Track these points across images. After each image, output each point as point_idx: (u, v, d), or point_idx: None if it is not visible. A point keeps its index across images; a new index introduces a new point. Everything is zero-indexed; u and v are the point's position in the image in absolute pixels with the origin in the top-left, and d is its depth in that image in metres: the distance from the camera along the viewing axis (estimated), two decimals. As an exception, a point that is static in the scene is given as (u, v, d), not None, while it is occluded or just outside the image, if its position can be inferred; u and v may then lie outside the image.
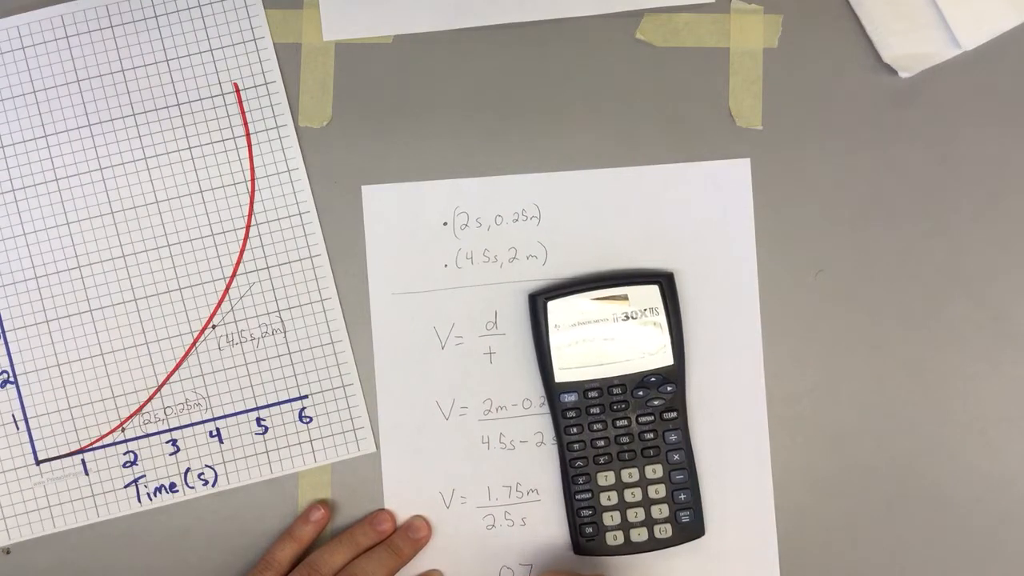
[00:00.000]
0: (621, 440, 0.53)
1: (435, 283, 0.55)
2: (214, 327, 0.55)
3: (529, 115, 0.55)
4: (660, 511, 0.53)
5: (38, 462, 0.55)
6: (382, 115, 0.55)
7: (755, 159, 0.55)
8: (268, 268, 0.55)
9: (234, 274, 0.55)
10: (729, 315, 0.54)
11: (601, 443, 0.53)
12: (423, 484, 0.55)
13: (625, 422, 0.53)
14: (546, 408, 0.54)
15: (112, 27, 0.55)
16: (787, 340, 0.55)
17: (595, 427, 0.53)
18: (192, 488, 0.55)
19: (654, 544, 0.53)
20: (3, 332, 0.55)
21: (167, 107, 0.55)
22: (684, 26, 0.55)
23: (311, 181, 0.55)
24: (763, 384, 0.54)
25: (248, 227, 0.55)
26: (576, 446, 0.53)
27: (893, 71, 0.55)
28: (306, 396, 0.55)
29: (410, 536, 0.53)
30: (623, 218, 0.55)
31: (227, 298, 0.55)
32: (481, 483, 0.55)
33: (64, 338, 0.54)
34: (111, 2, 0.55)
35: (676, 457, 0.53)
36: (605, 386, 0.53)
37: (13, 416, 0.54)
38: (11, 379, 0.55)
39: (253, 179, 0.55)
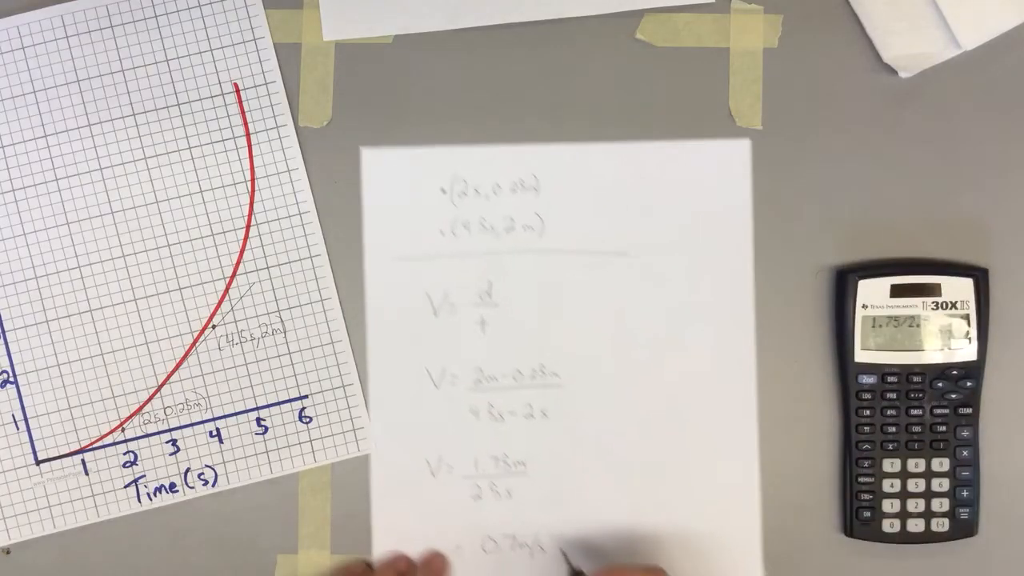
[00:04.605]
0: (912, 429, 0.53)
1: (430, 250, 0.55)
2: (214, 327, 0.55)
3: (529, 110, 0.55)
4: (941, 505, 0.53)
5: (38, 462, 0.55)
6: (382, 115, 0.55)
7: (755, 159, 0.55)
8: (268, 268, 0.55)
9: (234, 274, 0.55)
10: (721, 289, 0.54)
11: (892, 430, 0.53)
12: (410, 451, 0.55)
13: (919, 412, 0.53)
14: (536, 381, 0.54)
15: (112, 27, 0.55)
16: (787, 339, 0.55)
17: (888, 413, 0.53)
18: (192, 488, 0.55)
19: (928, 537, 0.53)
20: (3, 332, 0.55)
21: (167, 107, 0.55)
22: (684, 26, 0.55)
23: (311, 181, 0.55)
24: None
25: (248, 227, 0.55)
26: (866, 429, 0.53)
27: (893, 71, 0.55)
28: (306, 396, 0.55)
29: (431, 569, 0.53)
30: (620, 193, 0.55)
31: (227, 298, 0.55)
32: (468, 453, 0.55)
33: (64, 338, 0.54)
34: (111, 2, 0.55)
35: (964, 453, 0.53)
36: (905, 373, 0.53)
37: (13, 416, 0.54)
38: (11, 379, 0.55)
39: (253, 179, 0.55)
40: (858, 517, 0.53)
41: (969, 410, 0.53)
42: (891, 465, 0.53)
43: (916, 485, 0.53)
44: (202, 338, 0.55)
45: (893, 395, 0.53)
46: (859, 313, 0.53)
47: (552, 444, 0.54)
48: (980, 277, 0.53)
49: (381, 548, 0.54)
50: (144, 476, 0.55)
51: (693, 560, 0.54)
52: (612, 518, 0.54)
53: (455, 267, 0.55)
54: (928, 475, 0.53)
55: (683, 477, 0.54)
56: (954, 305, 0.53)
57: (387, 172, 0.55)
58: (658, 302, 0.54)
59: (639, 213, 0.55)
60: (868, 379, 0.53)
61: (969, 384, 0.53)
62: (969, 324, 0.53)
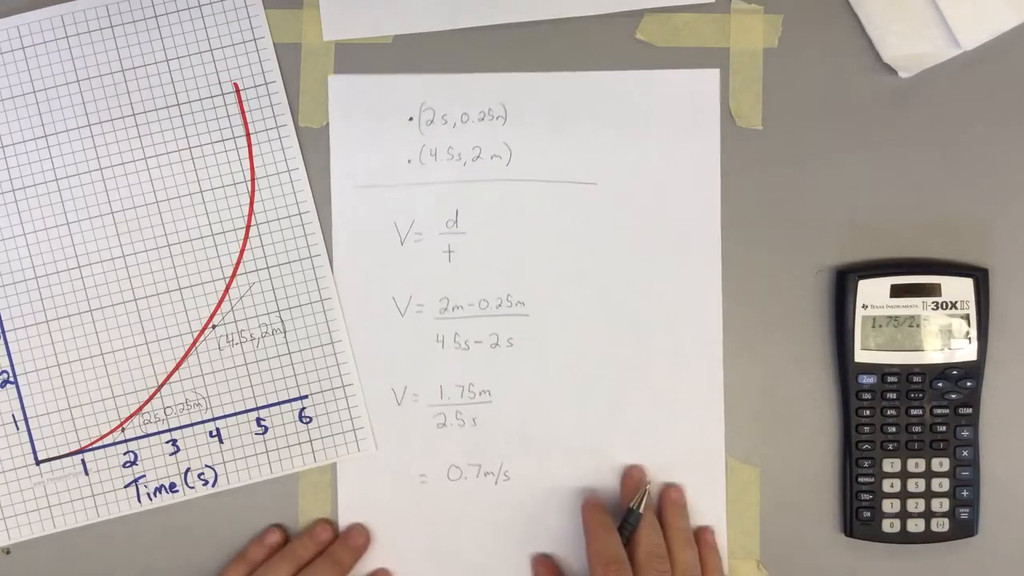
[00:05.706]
0: (912, 429, 0.53)
1: (397, 178, 0.55)
2: (214, 327, 0.55)
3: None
4: (941, 505, 0.53)
5: (38, 462, 0.55)
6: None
7: (755, 159, 0.55)
8: (268, 268, 0.55)
9: (234, 274, 0.55)
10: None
11: (892, 430, 0.53)
12: (376, 379, 0.55)
13: (920, 412, 0.53)
14: (502, 310, 0.54)
15: (112, 27, 0.55)
16: (787, 339, 0.55)
17: (888, 413, 0.53)
18: (192, 488, 0.55)
19: (928, 537, 0.53)
20: (3, 332, 0.55)
21: (167, 107, 0.55)
22: (684, 26, 0.55)
23: (311, 181, 0.55)
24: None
25: (248, 227, 0.55)
26: (866, 429, 0.53)
27: (893, 71, 0.55)
28: (306, 396, 0.55)
29: (349, 544, 0.53)
30: (588, 123, 0.55)
31: (227, 298, 0.55)
32: (433, 381, 0.55)
33: (64, 338, 0.54)
34: (111, 2, 0.55)
35: (964, 453, 0.53)
36: (905, 373, 0.53)
37: (13, 416, 0.54)
38: (11, 379, 0.55)
39: (253, 179, 0.55)
40: (858, 517, 0.53)
41: (969, 410, 0.53)
42: (891, 465, 0.53)
43: (916, 485, 0.53)
44: (202, 338, 0.55)
45: (893, 395, 0.53)
46: (859, 313, 0.53)
47: (517, 373, 0.55)
48: (980, 277, 0.53)
49: (346, 478, 0.55)
50: (144, 476, 0.55)
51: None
52: (576, 447, 0.54)
53: (422, 195, 0.55)
54: (928, 475, 0.53)
55: (647, 407, 0.54)
56: (954, 305, 0.53)
57: (355, 100, 0.55)
58: (625, 232, 0.54)
59: (607, 143, 0.55)
60: (868, 379, 0.53)
61: (969, 384, 0.53)
62: (969, 324, 0.53)
